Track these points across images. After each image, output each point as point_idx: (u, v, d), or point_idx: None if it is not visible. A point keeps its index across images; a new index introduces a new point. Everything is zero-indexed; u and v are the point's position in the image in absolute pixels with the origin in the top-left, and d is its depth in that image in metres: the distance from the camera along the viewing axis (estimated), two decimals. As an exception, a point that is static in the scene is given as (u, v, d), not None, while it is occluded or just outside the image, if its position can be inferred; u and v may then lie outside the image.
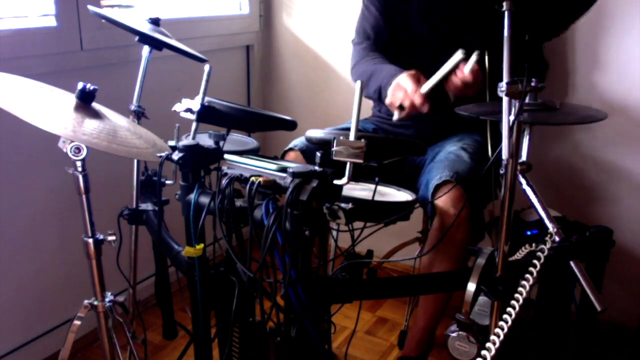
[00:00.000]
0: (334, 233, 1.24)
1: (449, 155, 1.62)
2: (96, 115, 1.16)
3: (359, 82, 1.10)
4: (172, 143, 1.29)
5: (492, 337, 1.05)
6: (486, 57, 1.49)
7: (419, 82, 1.54)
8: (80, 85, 1.15)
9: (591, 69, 1.90)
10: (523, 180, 1.17)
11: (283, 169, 1.11)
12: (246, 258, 1.16)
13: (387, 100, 1.60)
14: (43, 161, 1.69)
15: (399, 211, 1.25)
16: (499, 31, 1.02)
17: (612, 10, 1.82)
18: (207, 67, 1.35)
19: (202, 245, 1.26)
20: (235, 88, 2.48)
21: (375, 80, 1.70)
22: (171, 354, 1.88)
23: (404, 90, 1.55)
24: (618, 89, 1.87)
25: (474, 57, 1.49)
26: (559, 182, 2.03)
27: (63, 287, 1.84)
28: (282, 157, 1.70)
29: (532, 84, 1.17)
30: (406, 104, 1.54)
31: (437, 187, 1.49)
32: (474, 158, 1.59)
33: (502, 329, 1.04)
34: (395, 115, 1.60)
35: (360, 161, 1.08)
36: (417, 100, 1.52)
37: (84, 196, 1.18)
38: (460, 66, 1.54)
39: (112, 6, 1.91)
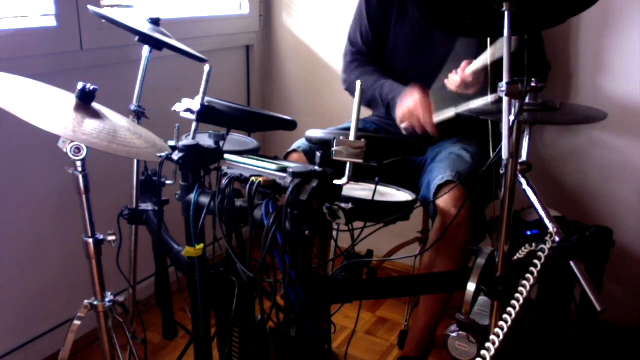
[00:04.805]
0: (334, 233, 1.24)
1: (450, 155, 1.62)
2: (96, 115, 1.16)
3: (358, 82, 1.10)
4: (172, 143, 1.29)
5: (492, 337, 1.04)
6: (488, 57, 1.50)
7: (428, 107, 1.58)
8: (80, 85, 1.15)
9: (594, 70, 1.90)
10: (523, 180, 1.17)
11: (283, 169, 1.11)
12: (246, 258, 1.16)
13: (398, 121, 1.65)
14: (43, 161, 1.69)
15: (399, 211, 1.25)
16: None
17: (616, 10, 1.82)
18: (207, 67, 1.35)
19: (202, 245, 1.26)
20: (235, 88, 2.48)
21: (378, 96, 1.75)
22: (171, 354, 1.88)
23: (416, 118, 1.59)
24: (620, 89, 1.87)
25: (480, 62, 1.50)
26: (559, 182, 2.03)
27: (63, 287, 1.83)
28: (285, 160, 1.70)
29: (532, 84, 1.18)
30: (418, 129, 1.59)
31: (439, 187, 1.49)
32: (476, 158, 1.59)
33: (502, 329, 1.04)
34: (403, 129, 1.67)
35: (360, 161, 1.08)
36: (430, 129, 1.57)
37: (84, 196, 1.18)
38: (463, 65, 1.55)
39: (112, 6, 1.90)
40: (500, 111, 1.03)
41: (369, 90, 1.77)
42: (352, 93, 1.84)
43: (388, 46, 1.83)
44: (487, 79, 1.48)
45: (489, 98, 1.39)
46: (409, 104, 1.60)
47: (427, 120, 1.56)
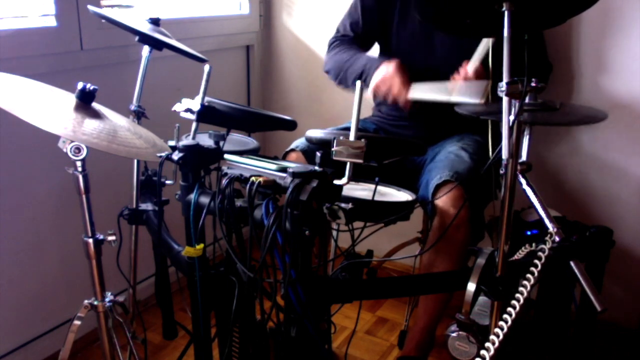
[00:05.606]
0: (334, 233, 1.24)
1: (449, 155, 1.62)
2: (96, 115, 1.16)
3: (358, 82, 1.11)
4: (172, 143, 1.29)
5: (492, 337, 1.04)
6: (489, 60, 1.50)
7: (405, 78, 1.59)
8: (80, 85, 1.15)
9: (594, 70, 1.90)
10: (523, 180, 1.17)
11: (283, 169, 1.11)
12: (246, 258, 1.16)
13: (370, 90, 1.66)
14: (43, 161, 1.69)
15: (399, 211, 1.25)
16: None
17: (616, 10, 1.82)
18: (207, 67, 1.35)
19: (202, 245, 1.26)
20: (235, 88, 2.48)
21: (355, 67, 1.74)
22: (171, 354, 1.88)
23: (390, 86, 1.60)
24: (620, 89, 1.87)
25: (477, 56, 1.50)
26: (559, 182, 2.03)
27: (63, 287, 1.83)
28: (284, 159, 1.70)
29: (532, 84, 1.18)
30: (389, 99, 1.61)
31: (438, 187, 1.49)
32: (474, 158, 1.59)
33: (502, 329, 1.04)
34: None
35: (360, 161, 1.08)
36: (402, 101, 1.59)
37: (84, 196, 1.18)
38: (464, 64, 1.55)
39: (112, 6, 1.91)
40: (500, 111, 1.03)
41: (344, 63, 1.78)
42: (330, 74, 1.85)
43: (390, 45, 1.83)
44: (489, 79, 1.48)
45: (473, 99, 1.40)
46: (385, 72, 1.62)
47: (400, 91, 1.58)
